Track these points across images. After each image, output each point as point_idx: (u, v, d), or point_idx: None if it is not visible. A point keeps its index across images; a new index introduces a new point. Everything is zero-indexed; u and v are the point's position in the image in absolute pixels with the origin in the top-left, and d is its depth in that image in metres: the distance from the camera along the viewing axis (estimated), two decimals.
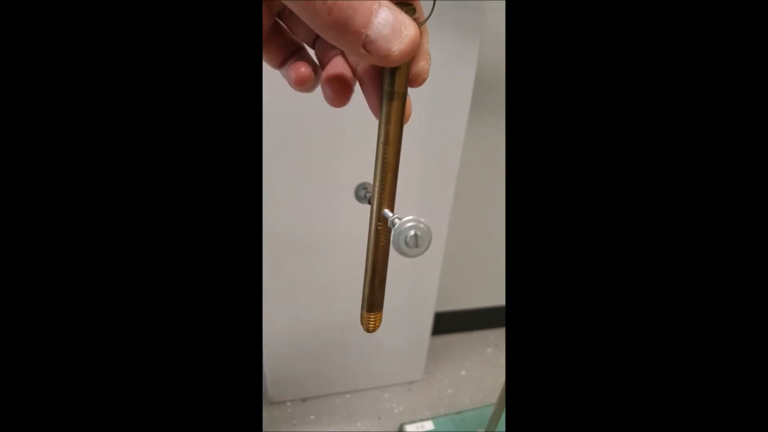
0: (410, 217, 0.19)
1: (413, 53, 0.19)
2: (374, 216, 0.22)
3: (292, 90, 0.23)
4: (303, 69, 0.23)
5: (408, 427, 1.06)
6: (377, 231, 0.22)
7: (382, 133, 0.20)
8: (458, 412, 1.10)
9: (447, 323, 1.29)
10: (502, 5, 0.85)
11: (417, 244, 0.19)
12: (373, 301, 0.23)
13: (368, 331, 0.24)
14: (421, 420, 1.08)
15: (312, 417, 1.08)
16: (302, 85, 0.23)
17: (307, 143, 0.78)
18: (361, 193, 0.26)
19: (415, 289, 1.03)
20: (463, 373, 1.23)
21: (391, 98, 0.20)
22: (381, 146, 0.21)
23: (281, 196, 0.80)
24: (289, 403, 1.11)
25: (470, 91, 0.79)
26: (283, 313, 0.96)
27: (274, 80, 0.29)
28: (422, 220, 0.20)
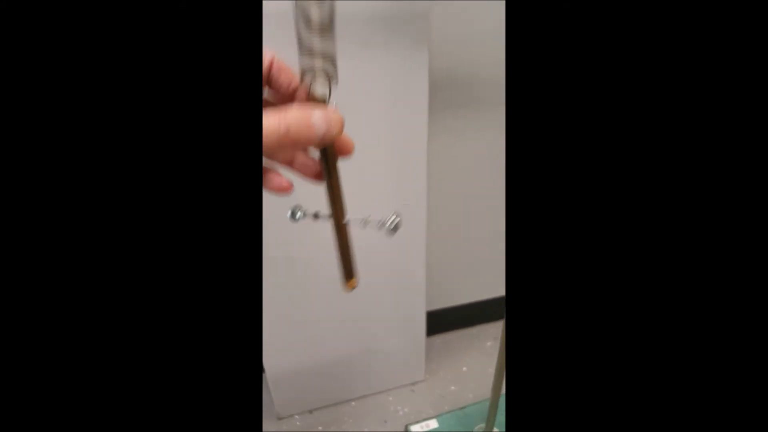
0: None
1: (343, 128, 0.26)
2: (335, 221, 0.31)
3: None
4: (284, 182, 0.29)
5: (413, 428, 1.08)
6: (339, 226, 0.31)
7: (329, 183, 0.30)
8: (461, 408, 1.11)
9: (444, 321, 1.31)
10: (447, 13, 0.89)
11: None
12: (347, 270, 0.32)
13: (348, 290, 0.33)
14: (426, 419, 1.10)
15: (320, 428, 1.11)
16: (284, 193, 0.29)
17: None
18: (298, 213, 0.32)
19: (403, 290, 1.05)
20: (464, 369, 1.24)
21: (329, 171, 0.29)
22: (328, 186, 0.30)
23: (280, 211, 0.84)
24: (296, 416, 1.14)
25: (426, 91, 0.82)
26: (282, 328, 0.99)
27: None
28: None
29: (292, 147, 0.25)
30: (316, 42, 0.24)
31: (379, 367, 1.16)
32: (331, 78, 0.25)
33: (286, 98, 0.28)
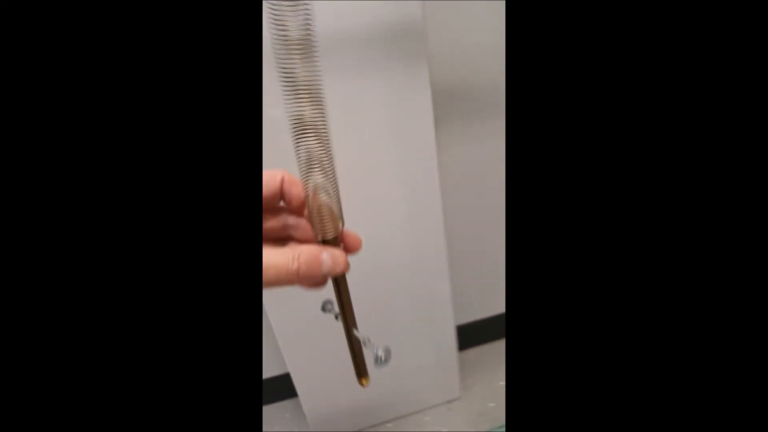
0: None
1: (347, 267, 0.30)
2: (346, 332, 0.35)
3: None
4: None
5: None
6: (350, 335, 0.35)
7: (339, 299, 0.33)
8: (500, 426, 1.07)
9: (475, 335, 1.27)
10: (443, 26, 0.89)
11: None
12: (360, 371, 0.36)
13: (364, 386, 0.37)
14: None
15: None
16: (317, 288, 0.32)
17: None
18: (327, 307, 0.36)
19: (429, 306, 1.03)
20: (501, 383, 1.20)
21: (338, 288, 0.33)
22: (338, 300, 0.33)
23: None
24: None
25: (430, 105, 0.82)
26: (314, 355, 0.99)
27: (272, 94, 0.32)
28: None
29: (298, 282, 0.28)
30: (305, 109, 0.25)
31: (412, 387, 1.13)
32: (338, 218, 0.29)
33: (300, 206, 0.31)
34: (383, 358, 0.33)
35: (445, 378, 1.15)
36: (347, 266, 0.30)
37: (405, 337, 1.06)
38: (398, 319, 1.02)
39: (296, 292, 0.94)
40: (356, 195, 0.83)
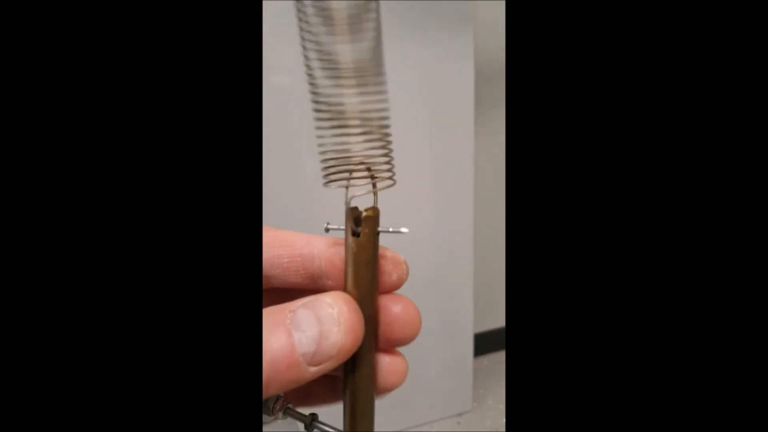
0: None
1: (360, 338, 0.16)
2: None
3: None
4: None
5: None
6: None
7: None
8: None
9: (491, 341, 1.15)
10: None
11: None
12: None
13: None
14: None
15: None
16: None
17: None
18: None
19: (449, 312, 0.91)
20: None
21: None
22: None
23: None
24: None
25: (472, 86, 0.66)
26: None
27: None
28: None
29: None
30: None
31: (420, 397, 1.01)
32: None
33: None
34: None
35: (457, 388, 1.03)
36: (360, 331, 0.16)
37: (420, 343, 0.93)
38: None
39: None
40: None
